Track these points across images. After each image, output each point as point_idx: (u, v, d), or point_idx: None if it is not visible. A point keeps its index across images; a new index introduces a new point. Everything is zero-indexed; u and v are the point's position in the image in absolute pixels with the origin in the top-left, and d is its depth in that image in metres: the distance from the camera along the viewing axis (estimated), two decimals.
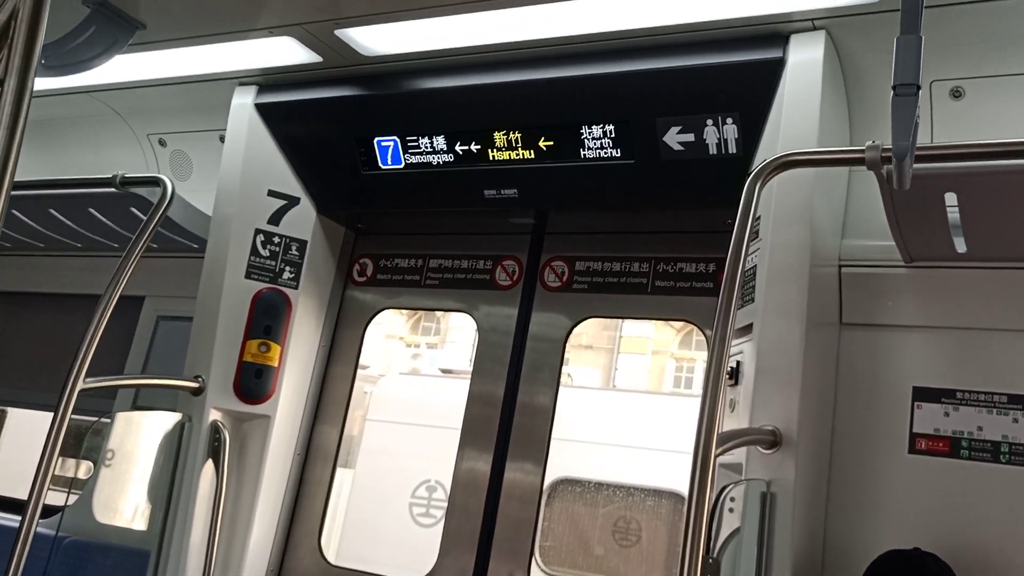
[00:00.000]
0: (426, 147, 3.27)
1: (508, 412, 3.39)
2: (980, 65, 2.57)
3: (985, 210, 2.27)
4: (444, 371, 7.77)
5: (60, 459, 3.84)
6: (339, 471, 5.46)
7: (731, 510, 2.40)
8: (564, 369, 3.44)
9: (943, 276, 2.60)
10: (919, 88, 1.89)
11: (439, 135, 3.23)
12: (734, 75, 2.71)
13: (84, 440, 3.90)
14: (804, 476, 2.41)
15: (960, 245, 2.45)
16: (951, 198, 2.23)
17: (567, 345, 3.42)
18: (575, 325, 3.40)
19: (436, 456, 3.55)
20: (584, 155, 3.01)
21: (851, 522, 2.57)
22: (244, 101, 3.59)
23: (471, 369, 3.54)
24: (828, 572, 2.53)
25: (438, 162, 3.27)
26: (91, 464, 3.96)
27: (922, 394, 2.60)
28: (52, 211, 4.04)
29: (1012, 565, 2.38)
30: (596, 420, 5.78)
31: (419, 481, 5.83)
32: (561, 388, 3.39)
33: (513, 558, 3.24)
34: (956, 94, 2.62)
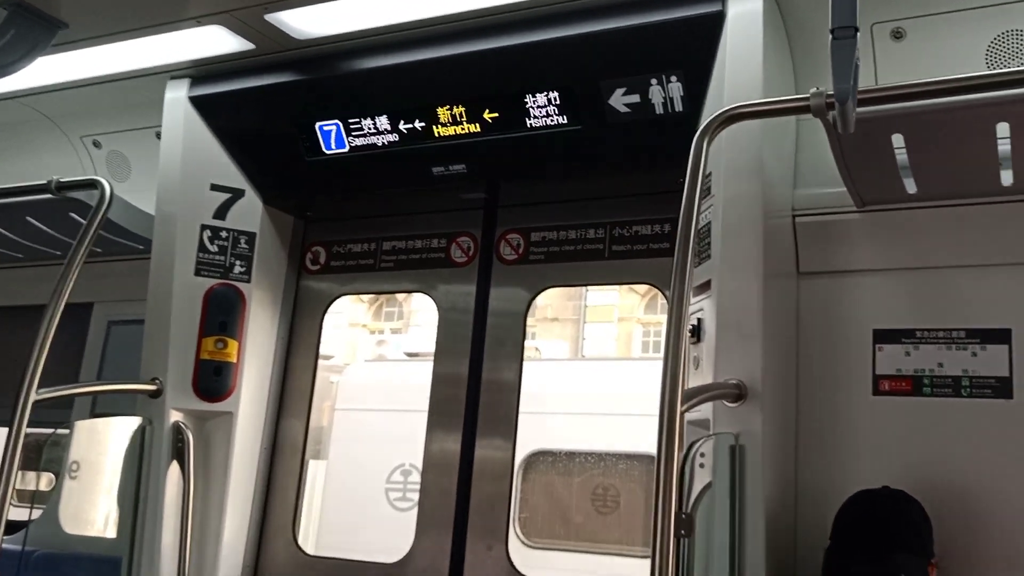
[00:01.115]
0: (369, 128, 3.21)
1: (474, 390, 3.37)
2: (919, 4, 2.57)
3: (932, 149, 2.28)
4: (410, 354, 7.73)
5: (21, 473, 3.77)
6: (312, 463, 5.43)
7: (702, 465, 2.41)
8: (531, 343, 3.42)
9: (895, 218, 2.62)
10: (857, 30, 1.90)
11: (381, 115, 3.17)
12: (674, 32, 2.68)
13: (43, 452, 3.82)
14: (771, 426, 2.42)
15: (910, 186, 2.47)
16: (898, 140, 2.24)
17: (531, 318, 3.40)
18: (534, 297, 3.39)
19: (409, 439, 3.54)
20: (530, 124, 2.97)
21: (821, 467, 2.60)
22: (178, 95, 3.49)
23: (434, 350, 3.52)
24: (801, 517, 2.56)
25: (383, 143, 3.21)
26: (52, 476, 3.88)
27: (882, 336, 2.63)
28: None
29: (978, 494, 2.42)
30: (567, 391, 5.80)
31: (394, 466, 5.81)
32: (529, 362, 3.38)
33: (489, 534, 3.23)
34: (897, 35, 2.62)
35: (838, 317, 2.69)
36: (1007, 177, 2.35)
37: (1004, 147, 2.20)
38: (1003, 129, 2.12)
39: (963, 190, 2.50)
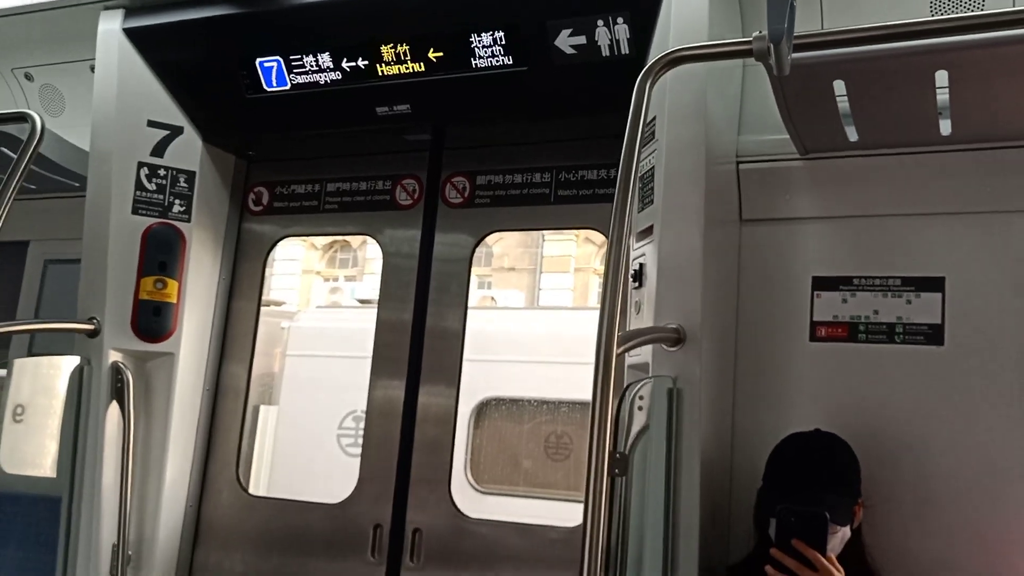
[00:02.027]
0: (311, 66, 3.12)
1: (418, 337, 3.35)
2: None
3: (873, 97, 2.27)
4: (362, 301, 7.66)
5: None
6: (263, 408, 5.39)
7: (640, 408, 2.43)
8: (487, 292, 3.41)
9: (837, 166, 2.62)
10: None
11: (324, 52, 3.08)
12: None
13: None
14: (709, 370, 2.44)
15: (851, 134, 2.47)
16: (839, 86, 2.23)
17: (488, 268, 3.38)
18: (479, 241, 3.35)
19: (360, 386, 3.51)
20: (476, 64, 2.91)
21: (757, 411, 2.64)
22: (111, 27, 3.35)
23: (378, 296, 3.48)
24: (737, 459, 2.61)
25: (325, 81, 3.12)
26: None
27: (821, 283, 2.65)
28: None
29: (907, 438, 2.48)
30: (521, 339, 5.81)
31: (345, 412, 5.80)
32: (484, 310, 3.36)
33: (433, 477, 3.25)
34: None
35: (779, 264, 2.71)
36: (946, 127, 2.37)
37: (943, 96, 2.21)
38: (942, 78, 2.12)
39: (903, 139, 2.51)
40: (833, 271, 2.65)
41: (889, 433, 2.49)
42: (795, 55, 1.96)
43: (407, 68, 2.99)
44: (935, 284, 2.54)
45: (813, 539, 2.08)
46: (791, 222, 2.70)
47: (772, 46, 1.87)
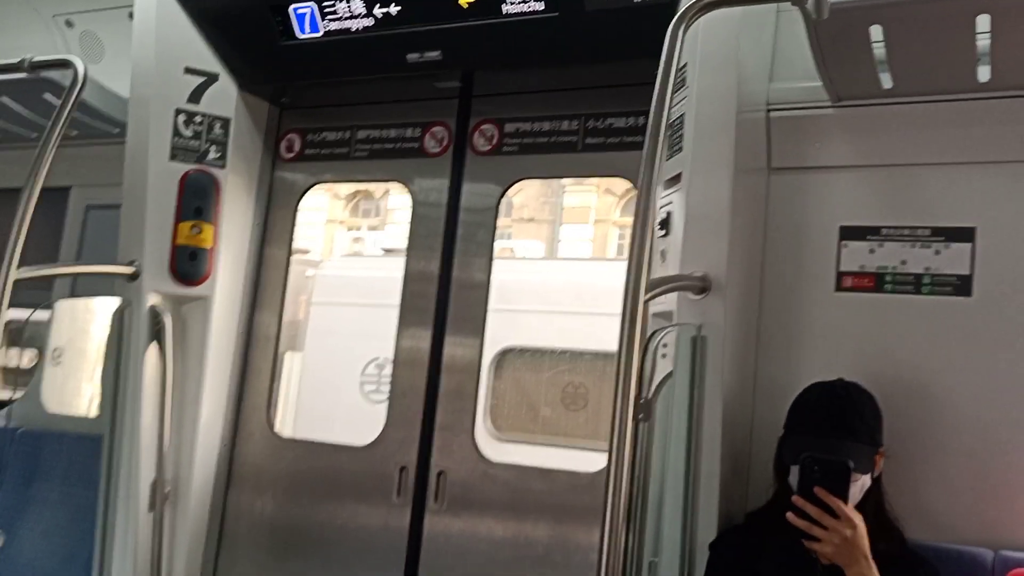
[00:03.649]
0: (344, 12, 3.05)
1: (444, 287, 3.30)
2: None
3: (910, 42, 2.16)
4: (386, 251, 7.61)
5: (4, 349, 3.73)
6: (288, 354, 5.40)
7: (664, 356, 2.38)
8: (507, 243, 3.35)
9: (869, 114, 2.51)
10: None
11: None
12: None
13: (24, 330, 3.78)
14: (734, 318, 2.38)
15: (886, 80, 2.36)
16: (876, 32, 2.12)
17: (507, 218, 3.32)
18: (506, 189, 3.27)
19: (384, 335, 3.48)
20: (506, 11, 2.82)
21: (780, 360, 2.57)
22: None
23: (406, 244, 3.43)
24: (758, 408, 2.54)
25: (357, 27, 3.05)
26: (35, 352, 3.86)
27: (848, 233, 2.55)
28: None
29: (931, 389, 2.40)
30: (540, 290, 5.74)
31: (368, 359, 5.78)
32: (505, 260, 3.30)
33: (457, 423, 3.22)
34: None
35: (806, 213, 2.61)
36: (984, 73, 2.25)
37: (983, 41, 2.09)
38: (983, 22, 2.01)
39: (939, 86, 2.38)
40: (861, 221, 2.55)
41: (913, 384, 2.41)
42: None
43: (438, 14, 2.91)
44: (965, 234, 2.43)
45: (836, 487, 2.02)
46: (821, 171, 2.60)
47: None
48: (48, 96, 3.43)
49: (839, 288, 2.56)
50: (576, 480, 3.01)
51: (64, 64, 3.09)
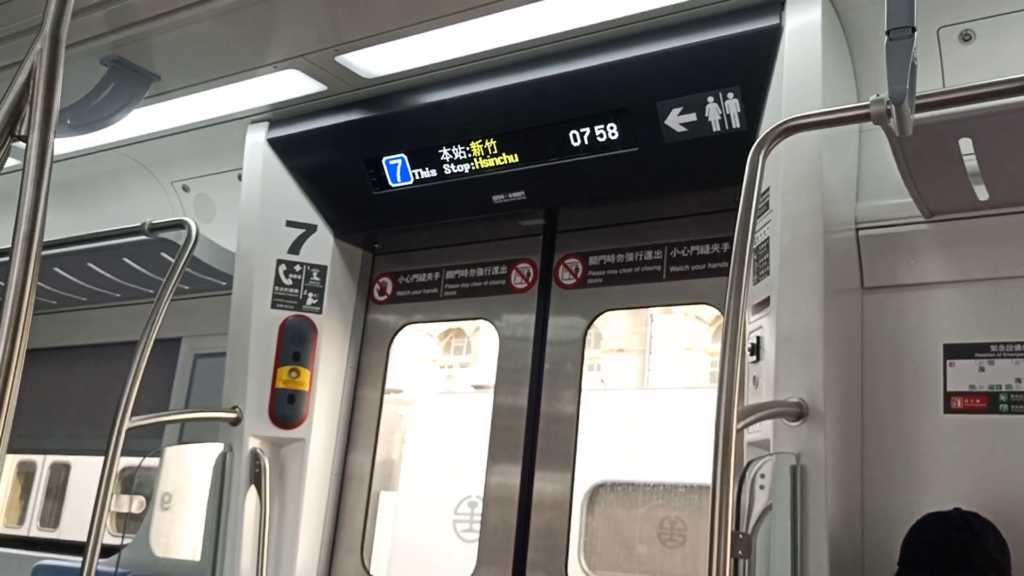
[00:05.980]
0: (433, 160, 3.14)
1: (533, 420, 3.21)
2: (987, 5, 2.35)
3: (1003, 152, 2.07)
4: (476, 387, 7.56)
5: (115, 496, 3.77)
6: (383, 494, 5.30)
7: (762, 487, 2.21)
8: (596, 375, 3.26)
9: (965, 227, 2.39)
10: (914, 30, 1.73)
11: (444, 147, 3.09)
12: (731, 48, 2.52)
13: (135, 478, 3.83)
14: (834, 446, 2.20)
15: (981, 193, 2.24)
16: (966, 144, 2.04)
17: (597, 350, 3.24)
18: (592, 321, 3.21)
19: (475, 472, 3.39)
20: (587, 148, 2.84)
21: (888, 489, 2.36)
22: (257, 138, 3.50)
23: (495, 380, 3.37)
24: (868, 541, 2.32)
25: (446, 173, 3.13)
26: (143, 499, 3.88)
27: (954, 351, 2.38)
28: (90, 264, 4.02)
29: None
30: (632, 421, 5.55)
31: (461, 498, 5.63)
32: (595, 392, 3.20)
33: (548, 563, 3.05)
34: (965, 38, 2.40)
35: (905, 332, 2.45)
36: None
37: None
38: None
39: None
40: (966, 338, 2.37)
41: None
42: (917, 115, 1.80)
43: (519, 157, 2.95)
44: None
45: None
46: (917, 288, 2.46)
47: (893, 107, 1.71)
48: (164, 255, 3.61)
49: (948, 410, 2.37)
50: None
51: (179, 225, 3.29)
